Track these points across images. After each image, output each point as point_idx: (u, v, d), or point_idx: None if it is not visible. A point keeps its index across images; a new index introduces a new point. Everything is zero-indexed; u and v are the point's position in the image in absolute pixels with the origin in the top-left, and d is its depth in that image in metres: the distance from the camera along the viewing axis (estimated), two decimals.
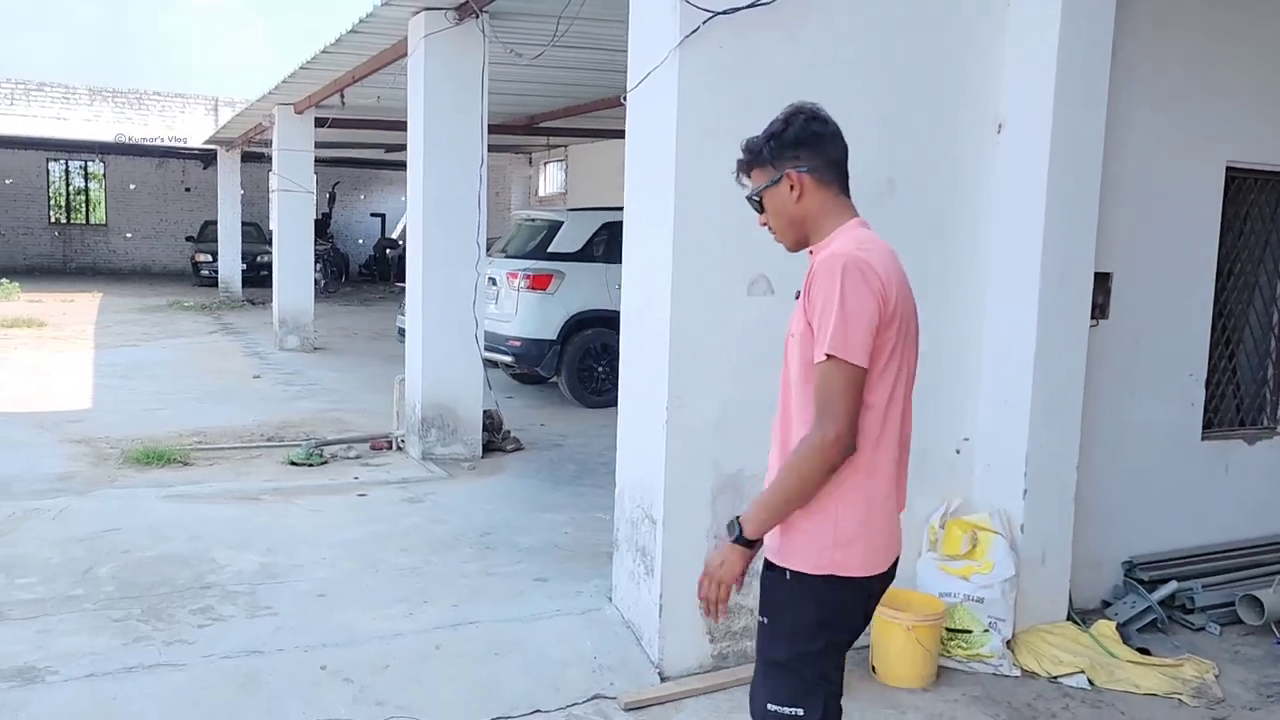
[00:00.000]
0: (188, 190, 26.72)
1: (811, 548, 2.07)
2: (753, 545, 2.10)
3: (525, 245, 9.29)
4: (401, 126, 13.63)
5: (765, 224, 2.24)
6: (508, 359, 8.96)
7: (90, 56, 51.16)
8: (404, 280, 21.16)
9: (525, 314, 8.80)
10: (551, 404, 9.15)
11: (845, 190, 2.19)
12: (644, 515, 3.91)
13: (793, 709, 2.11)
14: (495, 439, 7.16)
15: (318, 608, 4.14)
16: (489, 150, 6.47)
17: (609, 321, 8.95)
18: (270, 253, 22.60)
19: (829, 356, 1.98)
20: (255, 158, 20.34)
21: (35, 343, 12.45)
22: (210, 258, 21.56)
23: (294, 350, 12.46)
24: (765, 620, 2.18)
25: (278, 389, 9.76)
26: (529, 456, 7.10)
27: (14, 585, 4.28)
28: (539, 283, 8.74)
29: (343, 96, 10.08)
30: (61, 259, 25.69)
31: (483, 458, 6.93)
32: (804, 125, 2.14)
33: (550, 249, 8.94)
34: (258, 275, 21.47)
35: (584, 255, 9.05)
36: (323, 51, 8.28)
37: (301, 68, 9.22)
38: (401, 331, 11.85)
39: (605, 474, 5.26)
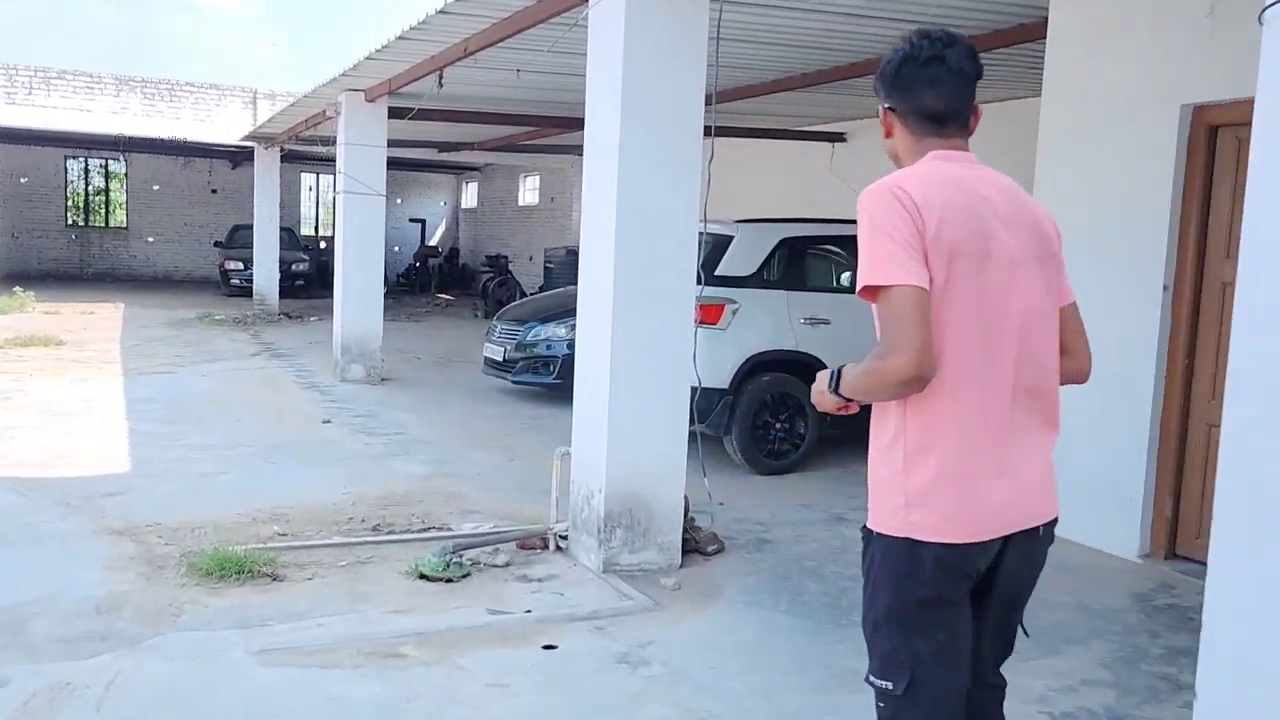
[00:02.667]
0: (214, 192, 24.87)
1: (885, 507, 1.98)
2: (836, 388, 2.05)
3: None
4: (487, 119, 11.95)
5: None
6: None
7: (107, 55, 49.46)
8: (446, 292, 19.16)
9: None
10: (716, 469, 7.17)
11: (943, 131, 2.05)
12: None
13: (883, 682, 1.99)
14: (688, 531, 5.20)
15: None
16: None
17: (791, 366, 7.02)
18: (305, 260, 21.02)
19: (878, 288, 1.87)
20: (287, 157, 18.46)
21: (53, 367, 10.54)
22: (242, 265, 19.70)
23: (359, 382, 10.52)
24: (864, 579, 2.08)
25: (358, 440, 7.81)
26: (740, 563, 5.14)
27: None
28: (708, 315, 6.77)
29: (441, 77, 8.16)
30: (78, 264, 23.83)
31: (680, 565, 4.98)
32: (898, 68, 2.06)
33: (718, 271, 6.98)
34: (292, 285, 19.64)
35: (760, 280, 7.09)
36: (439, 12, 6.36)
37: (399, 38, 7.30)
38: (489, 363, 9.99)
39: None
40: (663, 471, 4.89)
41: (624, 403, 4.77)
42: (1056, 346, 2.06)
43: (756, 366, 6.92)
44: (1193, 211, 4.97)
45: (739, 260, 7.04)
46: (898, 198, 1.89)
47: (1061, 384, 2.08)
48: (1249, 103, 4.91)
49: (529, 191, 23.63)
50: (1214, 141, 4.92)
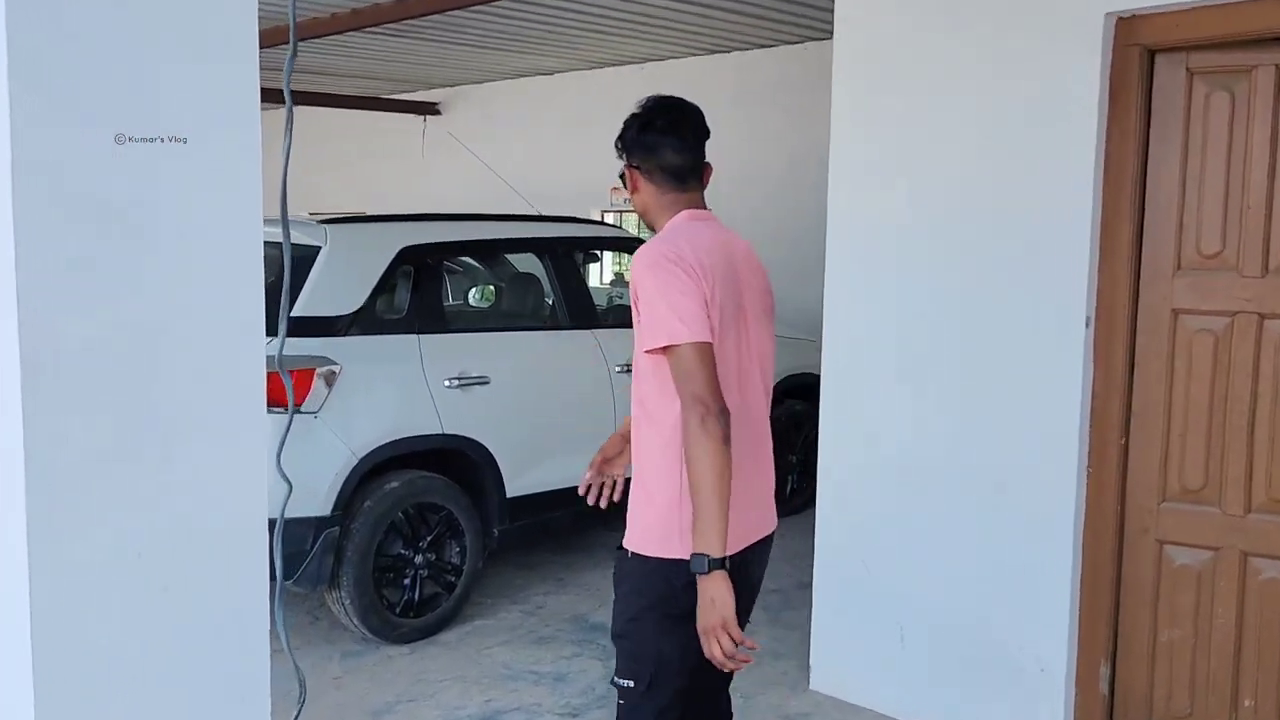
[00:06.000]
0: None
1: (654, 534, 2.14)
2: (725, 565, 1.98)
3: None
4: None
5: None
6: None
7: None
8: None
9: None
10: (315, 644, 4.19)
11: (684, 187, 2.28)
12: None
13: (626, 680, 2.18)
14: None
15: None
16: None
17: (434, 458, 4.32)
18: None
19: (671, 346, 2.04)
20: None
21: None
22: None
23: None
24: (615, 594, 2.26)
25: None
26: None
27: None
28: (284, 391, 3.79)
29: None
30: None
31: None
32: (638, 134, 2.28)
33: (297, 310, 3.98)
34: None
35: (372, 319, 4.20)
36: None
37: None
38: None
39: None
40: None
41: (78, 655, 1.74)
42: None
43: (378, 469, 4.07)
44: (1123, 197, 3.01)
45: (333, 288, 4.10)
46: (679, 264, 2.08)
47: None
48: (1206, 11, 2.99)
49: None
50: (1151, 75, 2.99)
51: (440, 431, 4.20)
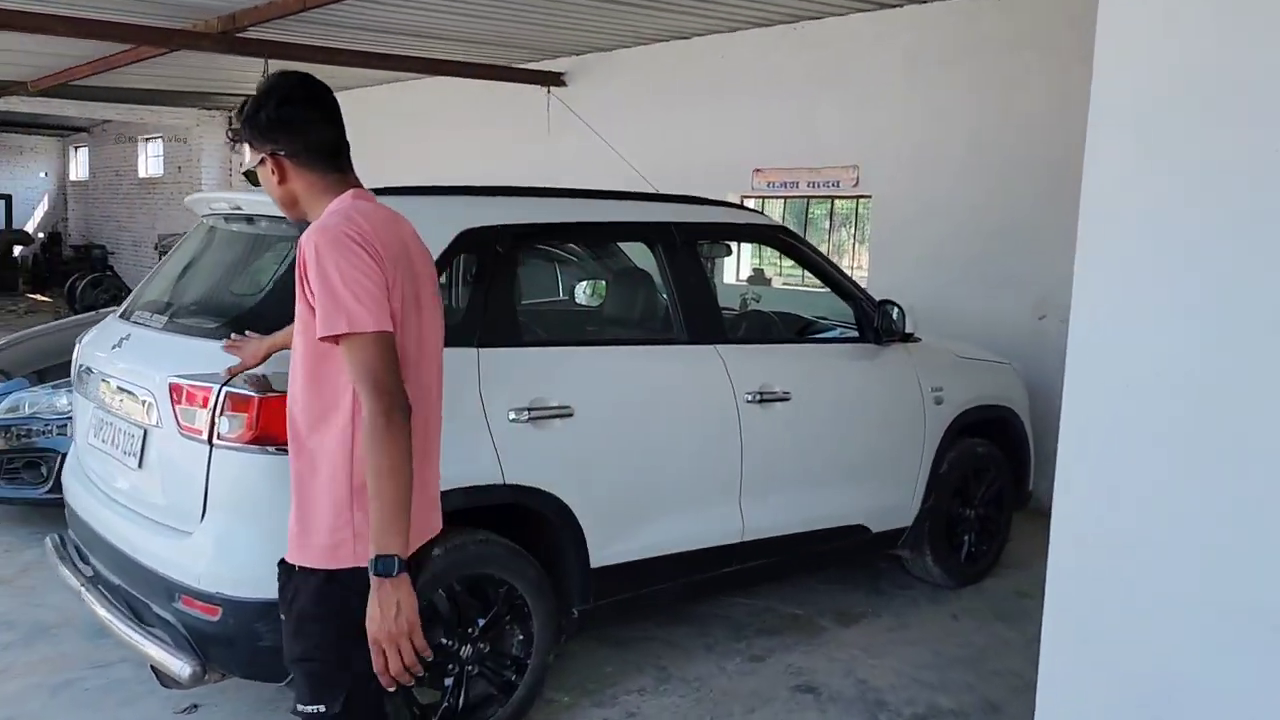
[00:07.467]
0: None
1: (326, 543, 1.97)
2: (409, 568, 1.90)
3: (234, 295, 3.28)
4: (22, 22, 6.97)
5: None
6: (171, 660, 2.88)
7: None
8: (43, 291, 13.78)
9: (240, 522, 2.82)
10: None
11: (340, 166, 2.07)
12: None
13: (314, 706, 2.01)
14: None
15: None
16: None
17: (492, 518, 3.20)
18: None
19: (350, 334, 1.87)
20: None
21: None
22: None
23: None
24: (282, 617, 2.08)
25: None
26: None
27: None
28: (282, 424, 2.76)
29: None
30: None
31: None
32: (276, 110, 2.01)
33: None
34: None
35: None
36: None
37: None
38: None
39: None
40: None
41: None
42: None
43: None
44: None
45: None
46: (363, 244, 1.90)
47: None
48: None
49: (152, 159, 18.07)
50: None
51: (501, 482, 3.07)
